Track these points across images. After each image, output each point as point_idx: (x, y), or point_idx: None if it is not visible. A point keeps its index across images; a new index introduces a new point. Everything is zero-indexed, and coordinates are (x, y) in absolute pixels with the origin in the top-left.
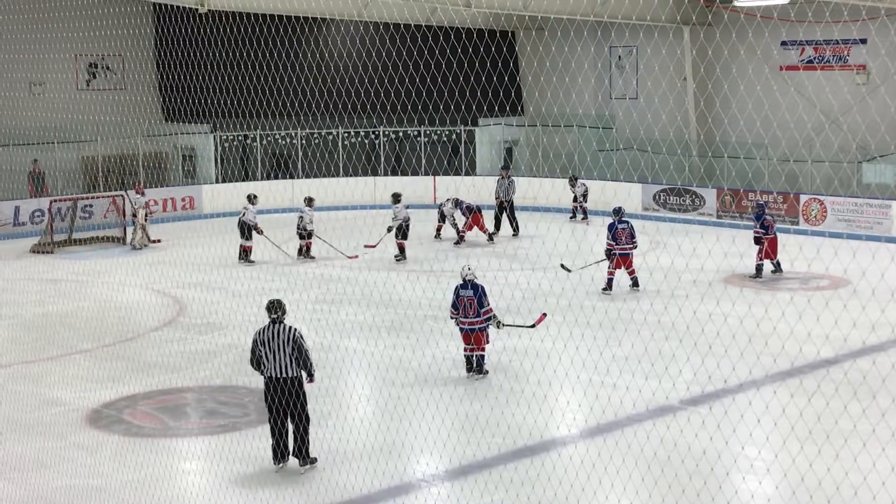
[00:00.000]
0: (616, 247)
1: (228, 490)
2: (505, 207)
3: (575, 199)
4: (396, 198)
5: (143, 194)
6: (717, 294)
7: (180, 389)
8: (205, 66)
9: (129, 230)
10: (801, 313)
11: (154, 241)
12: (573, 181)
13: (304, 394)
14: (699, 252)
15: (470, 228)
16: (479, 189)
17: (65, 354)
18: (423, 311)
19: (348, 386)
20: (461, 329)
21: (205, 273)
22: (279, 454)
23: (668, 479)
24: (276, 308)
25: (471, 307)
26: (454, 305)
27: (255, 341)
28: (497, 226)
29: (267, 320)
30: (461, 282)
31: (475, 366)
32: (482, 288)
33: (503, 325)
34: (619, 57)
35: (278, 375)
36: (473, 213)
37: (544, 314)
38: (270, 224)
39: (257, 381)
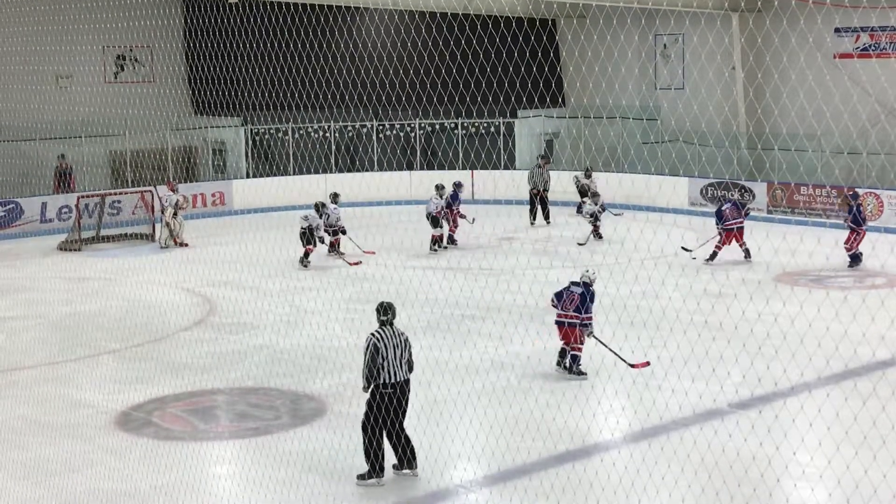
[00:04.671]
0: (728, 224)
1: (260, 495)
2: (543, 197)
3: (586, 193)
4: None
5: (175, 191)
6: (766, 293)
7: (211, 391)
8: (235, 58)
9: (158, 227)
10: (855, 313)
11: (181, 244)
12: (588, 174)
13: None
14: (748, 248)
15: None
16: (519, 183)
17: (93, 355)
18: (461, 310)
19: None
20: (556, 321)
21: (235, 271)
22: (380, 468)
23: (715, 485)
24: (389, 310)
25: (571, 302)
26: (558, 295)
27: (375, 346)
28: (534, 216)
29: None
30: (577, 280)
31: (568, 364)
32: (593, 294)
33: (595, 337)
34: (665, 45)
35: (397, 380)
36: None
37: (648, 362)
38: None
39: (289, 382)
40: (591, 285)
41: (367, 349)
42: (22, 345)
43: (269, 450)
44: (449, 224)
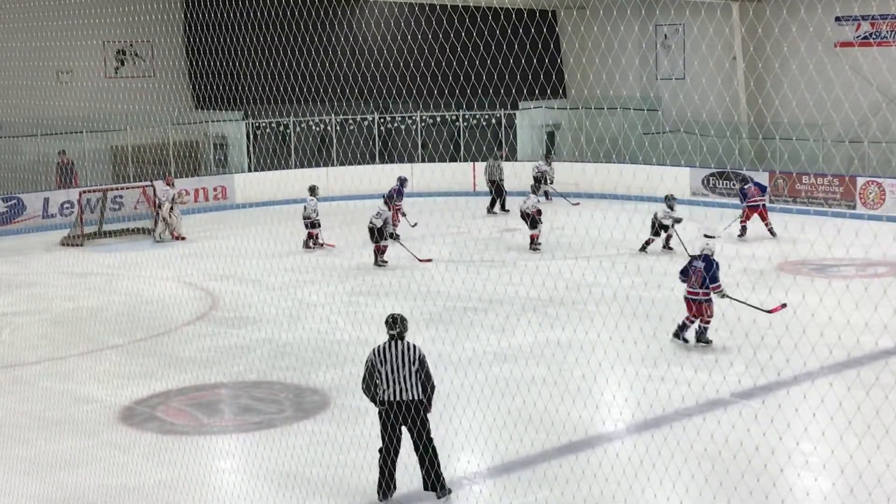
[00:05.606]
0: (752, 201)
1: (264, 488)
2: (500, 187)
3: (545, 181)
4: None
5: (172, 185)
6: (769, 282)
7: (214, 385)
8: (235, 52)
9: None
10: (857, 302)
11: (178, 238)
12: (549, 161)
13: (427, 419)
14: (750, 238)
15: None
16: (520, 175)
17: (96, 350)
18: (463, 302)
19: None
20: (685, 298)
21: (238, 265)
22: (389, 486)
23: (719, 475)
24: (397, 323)
25: (696, 278)
26: (684, 272)
27: (371, 361)
28: (493, 205)
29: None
30: (698, 254)
31: (697, 334)
32: (716, 264)
33: (729, 297)
34: (665, 36)
35: (403, 398)
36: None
37: (784, 304)
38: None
39: (293, 376)
40: (712, 256)
41: (365, 364)
42: (25, 340)
43: (273, 443)
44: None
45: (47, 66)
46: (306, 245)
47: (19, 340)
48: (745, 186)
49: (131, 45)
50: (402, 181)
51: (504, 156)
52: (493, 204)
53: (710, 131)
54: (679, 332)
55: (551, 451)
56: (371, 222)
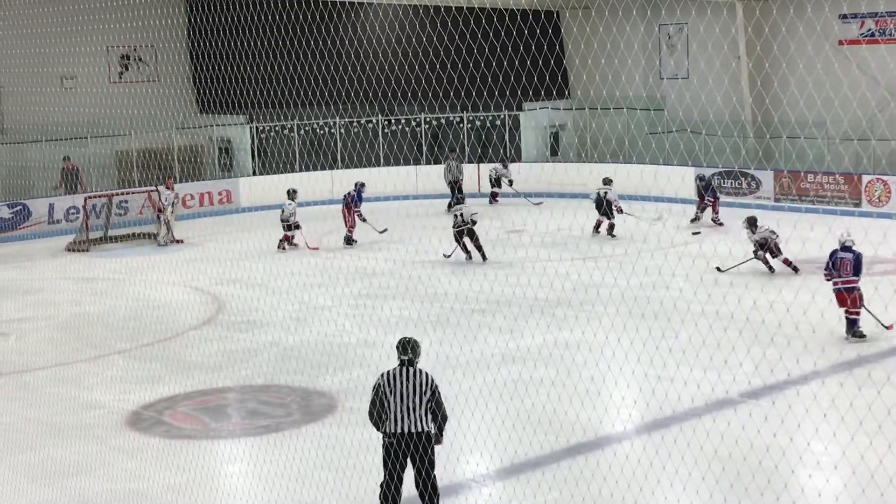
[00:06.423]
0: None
1: (272, 492)
2: (458, 187)
3: (501, 183)
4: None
5: (172, 189)
6: (777, 282)
7: (221, 389)
8: (239, 56)
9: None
10: (868, 300)
11: (176, 241)
12: (505, 164)
13: (435, 452)
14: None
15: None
16: (526, 175)
17: (102, 355)
18: (470, 304)
19: None
20: (835, 289)
21: (244, 269)
22: None
23: (729, 476)
24: (411, 348)
25: (844, 267)
26: (830, 267)
27: (379, 387)
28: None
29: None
30: (839, 247)
31: (847, 328)
32: (860, 256)
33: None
34: (670, 35)
35: (412, 430)
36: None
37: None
38: (312, 215)
39: (300, 379)
40: (853, 246)
41: (372, 390)
42: (31, 346)
43: (280, 447)
44: (346, 223)
45: (51, 72)
46: (280, 247)
47: (26, 346)
48: (713, 183)
49: (135, 49)
50: (360, 186)
51: (458, 157)
52: (451, 205)
53: (715, 131)
54: (852, 330)
55: (559, 452)
56: (457, 226)
